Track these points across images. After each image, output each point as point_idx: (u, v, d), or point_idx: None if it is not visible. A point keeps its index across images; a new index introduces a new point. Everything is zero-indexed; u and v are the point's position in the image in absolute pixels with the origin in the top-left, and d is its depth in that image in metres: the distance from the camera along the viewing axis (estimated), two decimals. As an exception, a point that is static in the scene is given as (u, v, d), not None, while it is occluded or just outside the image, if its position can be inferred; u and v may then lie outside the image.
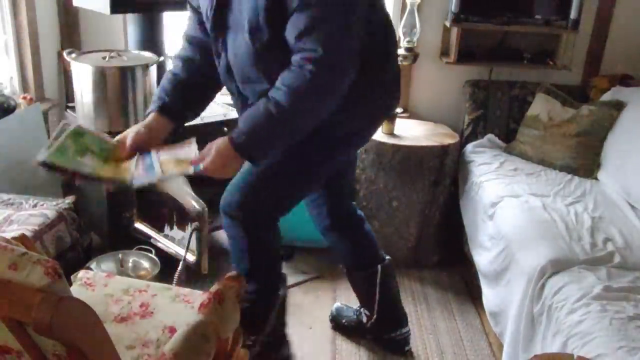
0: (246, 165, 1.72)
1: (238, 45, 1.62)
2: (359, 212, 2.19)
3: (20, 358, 1.02)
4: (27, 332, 0.93)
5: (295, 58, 1.51)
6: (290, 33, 1.51)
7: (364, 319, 2.26)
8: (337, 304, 2.42)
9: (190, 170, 1.57)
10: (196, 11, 1.80)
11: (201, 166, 1.56)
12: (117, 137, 1.69)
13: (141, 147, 1.66)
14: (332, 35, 1.49)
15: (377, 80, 1.75)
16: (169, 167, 1.58)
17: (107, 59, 2.35)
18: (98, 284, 1.69)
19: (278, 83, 1.53)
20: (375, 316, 2.20)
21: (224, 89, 1.87)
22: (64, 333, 0.90)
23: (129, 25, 2.59)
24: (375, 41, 1.68)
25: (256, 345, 1.91)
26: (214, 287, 1.39)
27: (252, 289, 1.86)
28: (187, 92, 1.78)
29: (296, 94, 1.50)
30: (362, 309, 2.27)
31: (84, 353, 0.94)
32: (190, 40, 1.83)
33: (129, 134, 1.68)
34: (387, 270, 2.17)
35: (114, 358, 1.08)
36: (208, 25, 1.69)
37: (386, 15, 1.76)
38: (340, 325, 2.35)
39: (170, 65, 2.82)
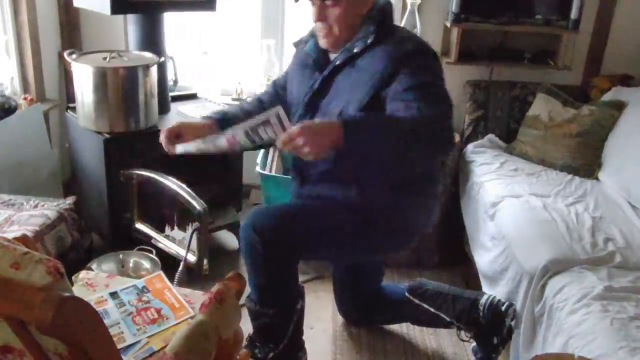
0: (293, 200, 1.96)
1: None
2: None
3: (22, 357, 1.02)
4: (29, 331, 0.93)
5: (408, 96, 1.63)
6: (396, 94, 1.65)
7: None
8: None
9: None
10: (277, 92, 2.04)
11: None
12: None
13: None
14: (438, 94, 1.66)
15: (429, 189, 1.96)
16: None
17: (107, 59, 2.35)
18: (99, 285, 1.69)
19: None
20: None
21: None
22: (66, 332, 0.90)
23: (130, 25, 2.59)
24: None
25: (271, 357, 1.93)
26: (215, 287, 1.39)
27: (270, 304, 1.89)
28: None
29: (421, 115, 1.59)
30: None
31: (86, 352, 0.94)
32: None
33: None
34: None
35: (115, 357, 1.08)
36: (296, 107, 1.88)
37: None
38: None
39: (171, 65, 2.85)
